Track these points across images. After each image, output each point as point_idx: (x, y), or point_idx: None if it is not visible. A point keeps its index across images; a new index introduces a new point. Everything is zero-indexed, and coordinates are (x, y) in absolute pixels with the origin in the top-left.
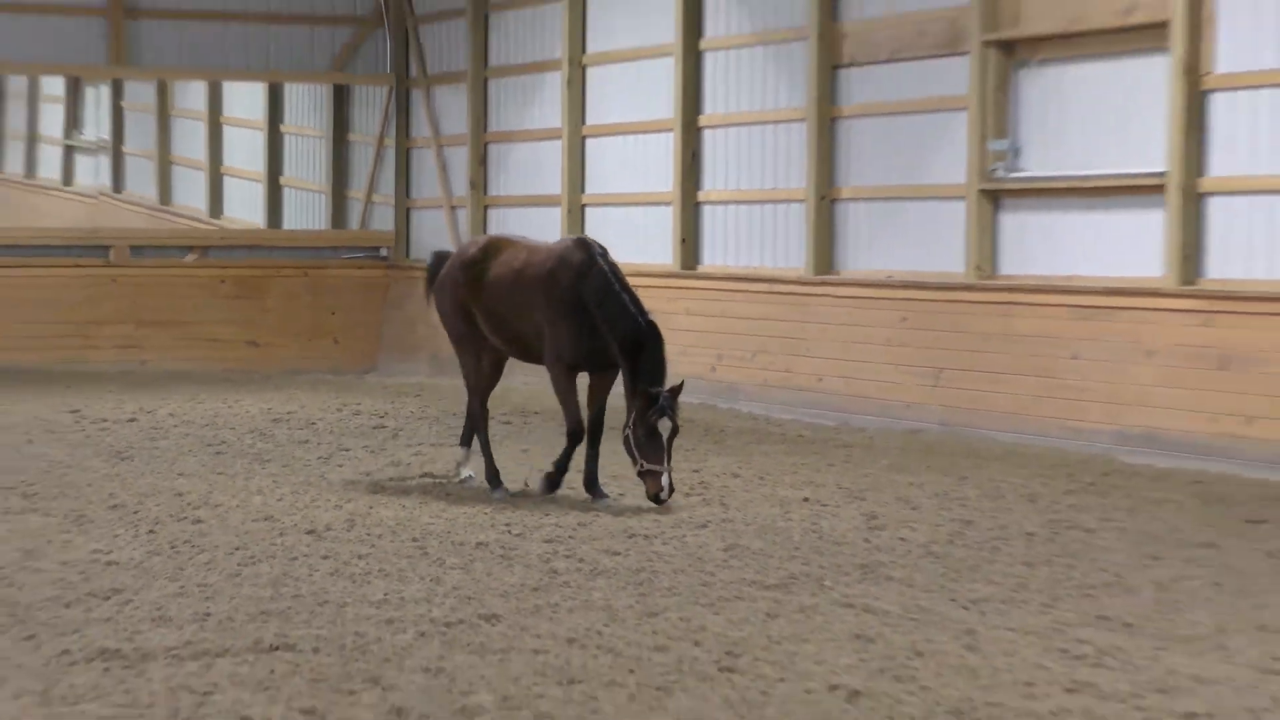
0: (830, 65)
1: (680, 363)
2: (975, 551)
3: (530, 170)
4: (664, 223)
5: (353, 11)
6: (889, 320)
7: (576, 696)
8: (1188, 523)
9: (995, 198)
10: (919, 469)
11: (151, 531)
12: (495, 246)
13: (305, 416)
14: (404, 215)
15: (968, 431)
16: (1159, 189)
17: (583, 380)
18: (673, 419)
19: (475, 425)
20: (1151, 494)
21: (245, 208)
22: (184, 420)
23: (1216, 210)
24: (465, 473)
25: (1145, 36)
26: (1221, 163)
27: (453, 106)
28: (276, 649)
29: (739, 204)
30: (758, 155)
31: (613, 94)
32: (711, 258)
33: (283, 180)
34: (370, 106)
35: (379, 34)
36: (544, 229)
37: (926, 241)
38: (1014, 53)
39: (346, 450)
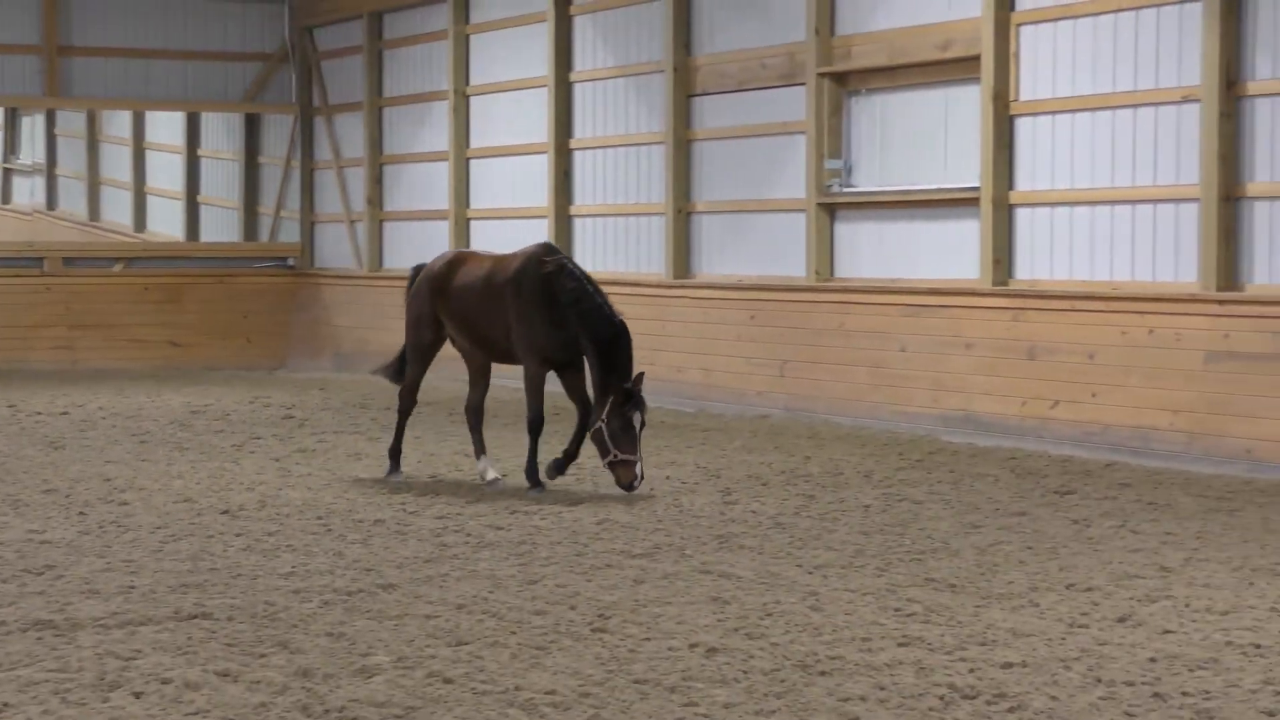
0: (685, 94)
1: None
2: (818, 522)
3: (421, 188)
4: (540, 234)
5: (262, 49)
6: (739, 319)
7: (464, 656)
8: (1003, 494)
9: (832, 210)
10: (767, 450)
11: (82, 513)
12: (459, 259)
13: (221, 409)
14: (308, 229)
15: (810, 416)
16: (974, 201)
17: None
18: (643, 412)
19: (400, 413)
20: (971, 469)
21: (167, 223)
22: (112, 413)
23: (1023, 220)
24: (491, 475)
25: (960, 68)
26: (1025, 178)
27: (352, 132)
28: (195, 617)
29: (606, 216)
30: (622, 174)
31: (494, 120)
32: (582, 264)
33: (200, 199)
34: (278, 133)
35: (285, 68)
36: (433, 240)
37: (772, 249)
38: (846, 83)
39: (258, 438)
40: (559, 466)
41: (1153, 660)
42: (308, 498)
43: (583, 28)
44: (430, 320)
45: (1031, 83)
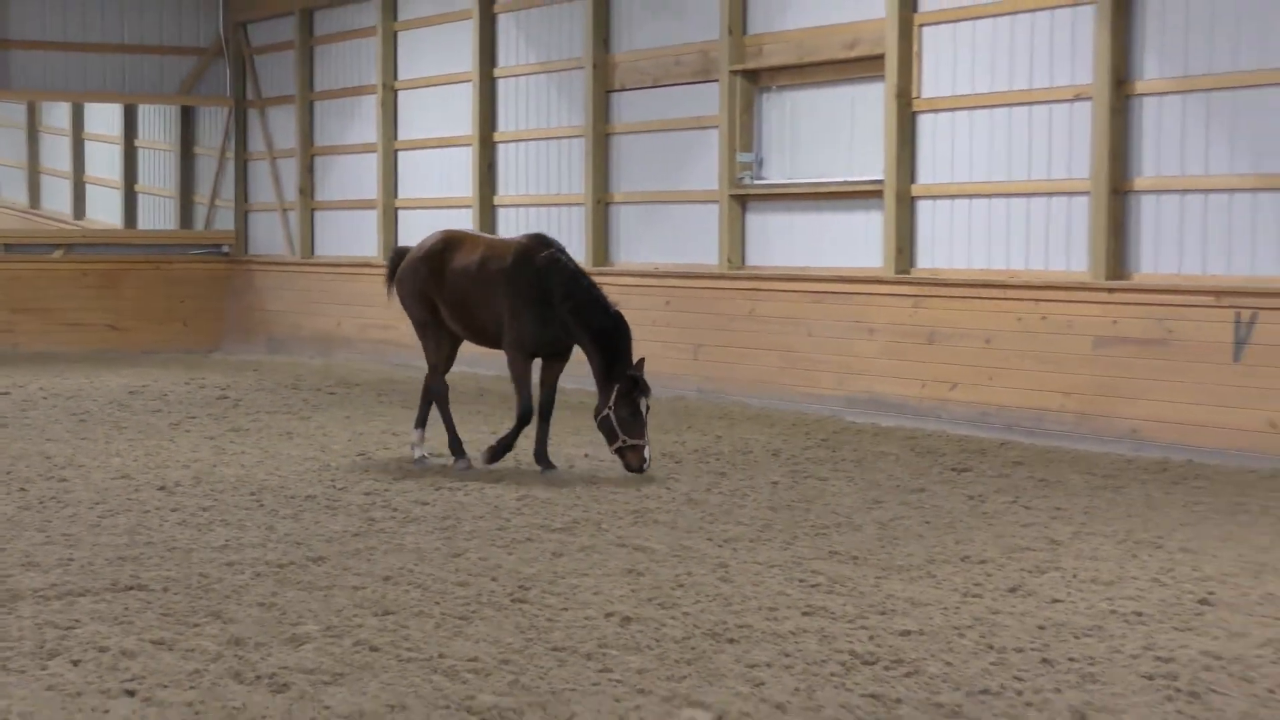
0: (604, 90)
1: None
2: (728, 498)
3: (351, 179)
4: (466, 223)
5: (197, 44)
6: (655, 304)
7: (390, 625)
8: (903, 472)
9: (743, 201)
10: (681, 429)
11: (22, 489)
12: (455, 241)
13: (158, 389)
14: (242, 217)
15: (721, 398)
16: (878, 194)
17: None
18: (648, 397)
19: (436, 401)
20: (874, 448)
21: (105, 211)
22: (52, 394)
23: (924, 212)
24: (419, 453)
25: (865, 67)
26: (927, 172)
27: (284, 125)
28: (131, 588)
29: (529, 206)
30: (544, 166)
31: (421, 114)
32: None
33: (137, 188)
34: (213, 124)
35: (220, 62)
36: (362, 229)
37: (686, 238)
38: (757, 80)
39: (194, 418)
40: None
41: (1041, 628)
42: (241, 474)
43: (506, 26)
44: (428, 303)
45: (933, 81)
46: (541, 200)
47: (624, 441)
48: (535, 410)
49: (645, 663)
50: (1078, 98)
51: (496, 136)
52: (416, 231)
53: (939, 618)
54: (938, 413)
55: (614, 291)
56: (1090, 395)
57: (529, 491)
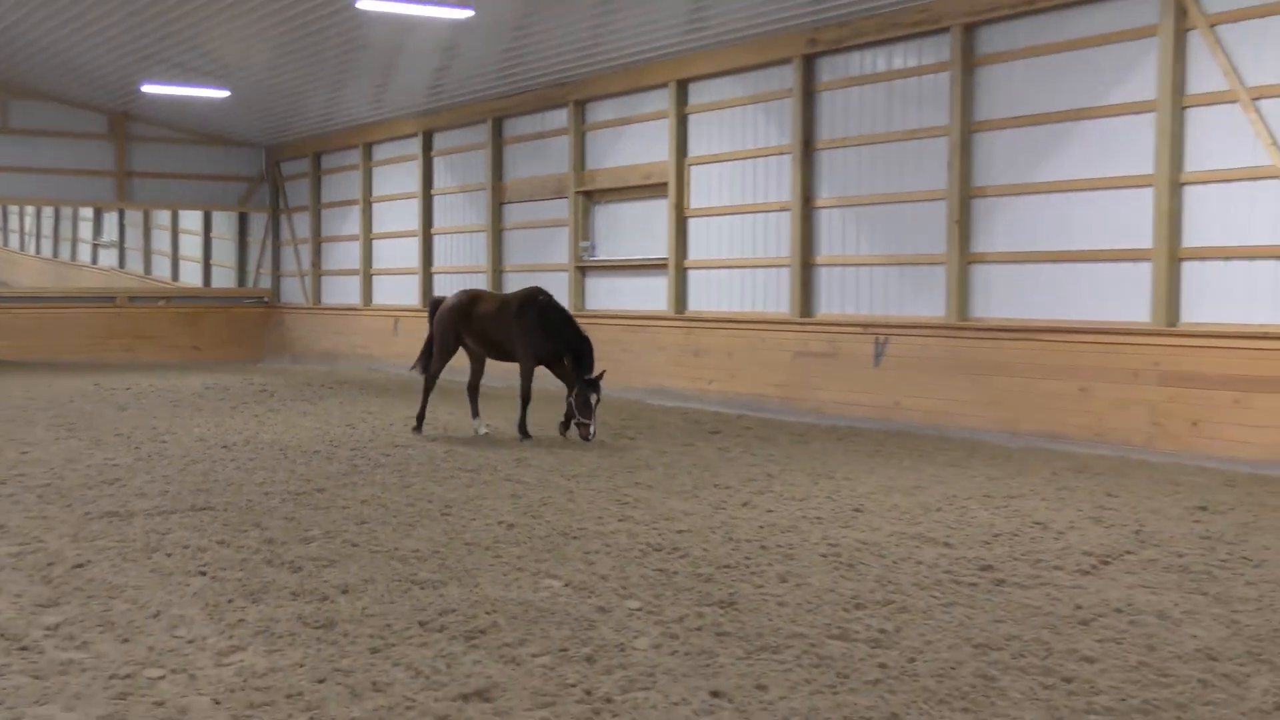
0: (499, 203)
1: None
2: (574, 452)
3: (344, 256)
4: (416, 283)
5: (249, 174)
6: None
7: (365, 531)
8: (680, 434)
9: (584, 271)
10: (544, 409)
11: (136, 447)
12: (475, 296)
13: (222, 386)
14: (276, 280)
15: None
16: (665, 266)
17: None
18: (599, 394)
19: (426, 390)
20: (663, 421)
21: (192, 276)
22: (157, 389)
23: (693, 277)
24: (483, 429)
25: (656, 190)
26: (695, 252)
27: (302, 223)
28: (204, 509)
29: (454, 274)
30: (462, 249)
31: (386, 216)
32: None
33: (212, 262)
34: (259, 224)
35: (263, 186)
36: (350, 287)
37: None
38: (591, 197)
39: (245, 403)
40: (525, 433)
41: (761, 528)
42: (273, 438)
43: (439, 165)
44: (455, 336)
45: (698, 198)
46: (461, 269)
47: (579, 419)
48: (529, 397)
49: (522, 552)
50: (783, 209)
51: (433, 230)
52: (384, 289)
53: (700, 522)
54: (700, 398)
55: None
56: (790, 386)
57: (453, 449)
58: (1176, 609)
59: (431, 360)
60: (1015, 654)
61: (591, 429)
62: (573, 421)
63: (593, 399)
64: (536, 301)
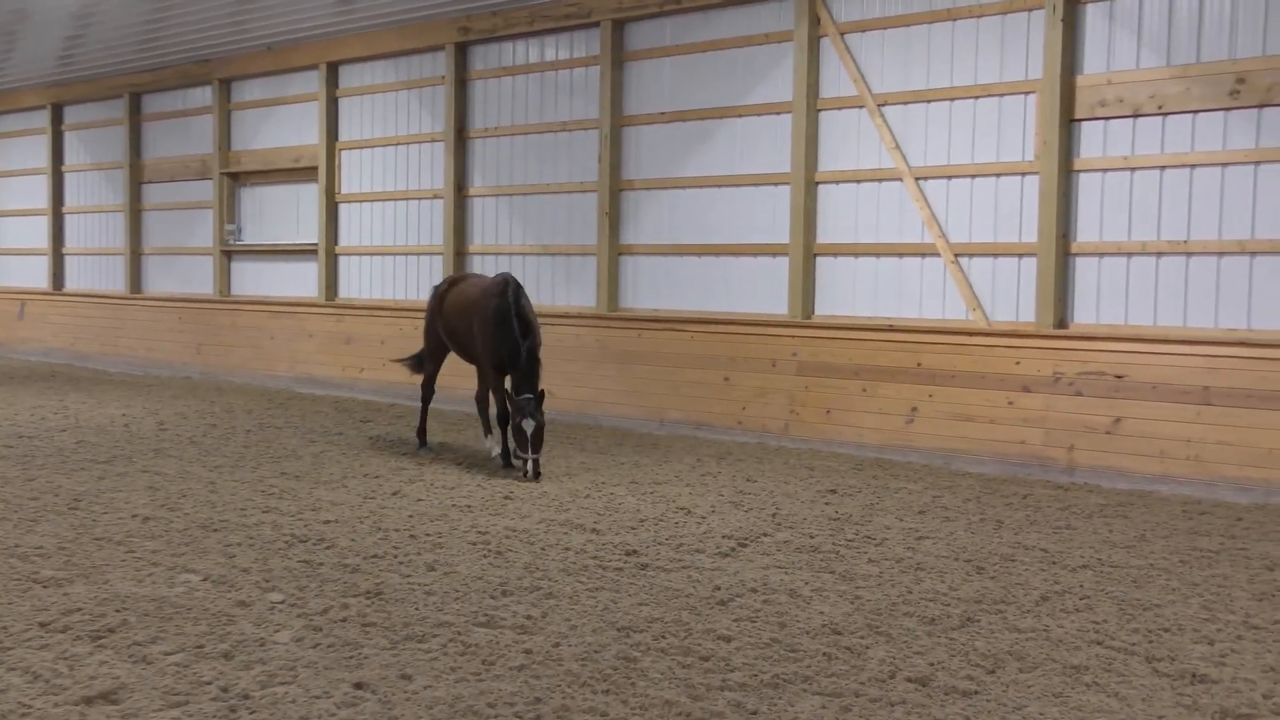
0: (138, 182)
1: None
2: (218, 441)
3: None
4: (40, 268)
5: None
6: (171, 319)
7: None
8: (328, 423)
9: (229, 255)
10: (189, 398)
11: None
12: (454, 281)
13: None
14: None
15: (216, 377)
16: (314, 252)
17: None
18: (535, 420)
19: (424, 400)
20: (312, 409)
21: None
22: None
23: (344, 263)
24: (496, 450)
25: (306, 174)
26: (344, 238)
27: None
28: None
29: (89, 255)
30: (100, 230)
31: (15, 194)
32: (81, 282)
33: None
34: None
35: None
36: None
37: (193, 277)
38: (238, 179)
39: None
40: (506, 454)
41: (410, 516)
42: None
43: (71, 139)
44: (435, 333)
45: (350, 183)
46: (97, 251)
47: (516, 451)
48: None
49: (158, 545)
50: (436, 196)
51: (65, 210)
52: (9, 269)
53: (348, 512)
54: (351, 387)
55: (143, 313)
56: (443, 375)
57: (83, 439)
58: (807, 587)
59: (424, 363)
60: (656, 635)
61: (528, 464)
62: (513, 453)
63: (526, 425)
64: (504, 291)
